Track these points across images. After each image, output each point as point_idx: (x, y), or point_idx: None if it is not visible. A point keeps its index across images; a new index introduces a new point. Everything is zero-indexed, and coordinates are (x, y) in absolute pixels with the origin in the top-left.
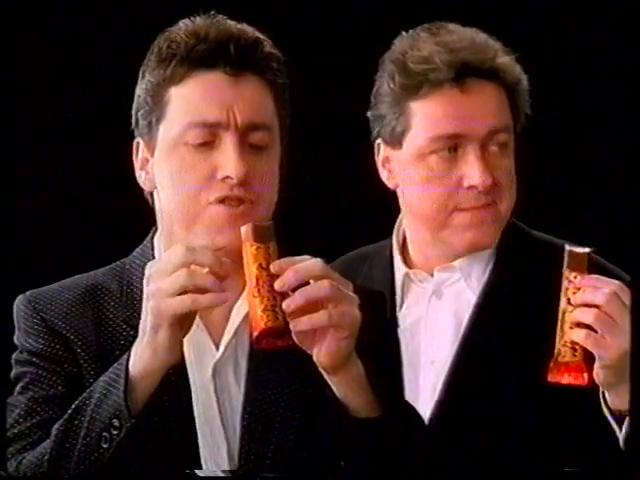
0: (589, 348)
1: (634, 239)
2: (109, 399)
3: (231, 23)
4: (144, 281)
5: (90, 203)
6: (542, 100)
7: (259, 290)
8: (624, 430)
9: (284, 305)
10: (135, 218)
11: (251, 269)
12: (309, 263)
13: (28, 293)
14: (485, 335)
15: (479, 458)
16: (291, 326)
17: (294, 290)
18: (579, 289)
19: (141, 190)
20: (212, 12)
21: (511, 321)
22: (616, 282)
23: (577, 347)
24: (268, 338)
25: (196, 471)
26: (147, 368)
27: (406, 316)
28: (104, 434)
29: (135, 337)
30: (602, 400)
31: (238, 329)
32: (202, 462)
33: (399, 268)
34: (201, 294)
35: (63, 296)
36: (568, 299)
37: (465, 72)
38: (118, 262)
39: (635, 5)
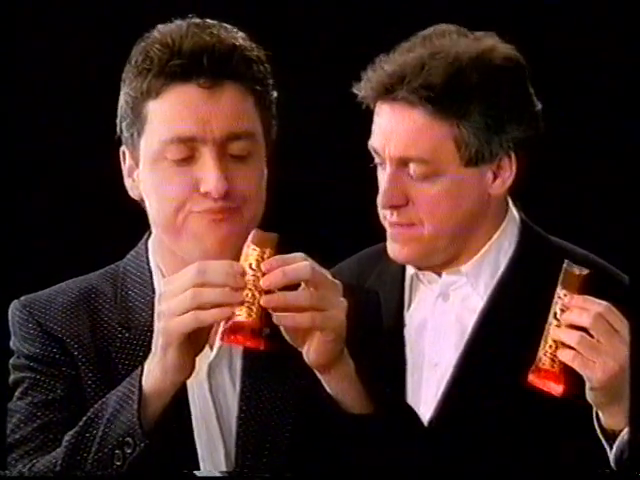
0: (576, 369)
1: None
2: (122, 415)
3: (208, 30)
4: (156, 300)
5: (84, 206)
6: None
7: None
8: (614, 450)
9: (263, 301)
10: (129, 221)
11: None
12: (298, 266)
13: (22, 298)
14: (490, 341)
15: (478, 461)
16: (274, 319)
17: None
18: (568, 307)
19: None
20: (190, 15)
21: (517, 329)
22: (604, 303)
23: (556, 359)
24: (236, 334)
25: (194, 472)
26: (159, 386)
27: (413, 316)
28: (117, 451)
29: (131, 339)
30: (595, 419)
31: None
32: (199, 462)
33: (409, 267)
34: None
35: (58, 300)
36: (555, 313)
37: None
38: (112, 265)
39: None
